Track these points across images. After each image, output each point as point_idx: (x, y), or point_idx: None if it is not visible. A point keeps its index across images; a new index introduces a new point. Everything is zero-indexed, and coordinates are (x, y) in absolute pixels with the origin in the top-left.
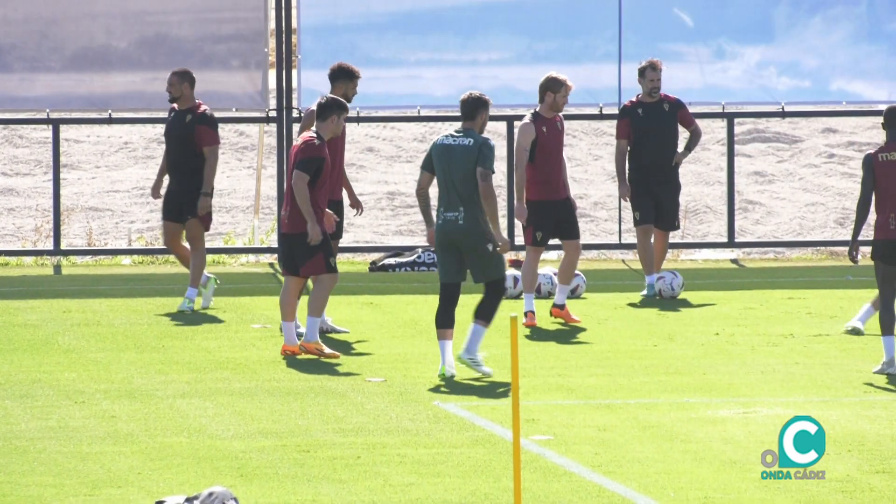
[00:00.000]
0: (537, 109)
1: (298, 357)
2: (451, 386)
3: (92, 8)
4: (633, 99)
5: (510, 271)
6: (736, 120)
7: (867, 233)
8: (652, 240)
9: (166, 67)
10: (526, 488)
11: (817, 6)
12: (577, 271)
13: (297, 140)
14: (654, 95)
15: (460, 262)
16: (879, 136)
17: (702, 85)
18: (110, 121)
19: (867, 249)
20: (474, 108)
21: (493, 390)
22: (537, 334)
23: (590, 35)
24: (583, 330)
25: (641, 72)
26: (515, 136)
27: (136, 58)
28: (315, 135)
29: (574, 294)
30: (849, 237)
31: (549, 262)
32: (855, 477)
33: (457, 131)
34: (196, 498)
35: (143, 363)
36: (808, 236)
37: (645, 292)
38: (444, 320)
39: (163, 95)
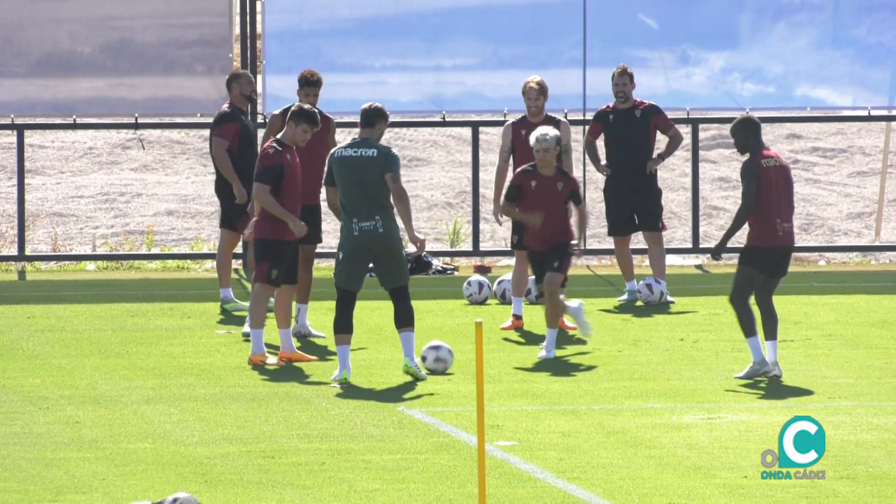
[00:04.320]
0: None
1: (268, 366)
2: (415, 392)
3: (56, 13)
4: (610, 105)
5: (475, 277)
6: (700, 126)
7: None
8: (645, 247)
9: (130, 73)
10: (490, 494)
11: (781, 12)
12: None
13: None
14: (621, 100)
15: (366, 270)
16: (845, 142)
17: (666, 90)
18: (74, 126)
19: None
20: (375, 117)
21: (457, 396)
22: (501, 340)
23: (555, 41)
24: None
25: (612, 76)
26: None
27: (101, 63)
28: (275, 143)
29: (539, 301)
30: (812, 243)
31: None
32: (819, 482)
33: (355, 140)
34: None
35: (107, 369)
36: None
37: (624, 297)
38: (345, 326)
39: (127, 101)
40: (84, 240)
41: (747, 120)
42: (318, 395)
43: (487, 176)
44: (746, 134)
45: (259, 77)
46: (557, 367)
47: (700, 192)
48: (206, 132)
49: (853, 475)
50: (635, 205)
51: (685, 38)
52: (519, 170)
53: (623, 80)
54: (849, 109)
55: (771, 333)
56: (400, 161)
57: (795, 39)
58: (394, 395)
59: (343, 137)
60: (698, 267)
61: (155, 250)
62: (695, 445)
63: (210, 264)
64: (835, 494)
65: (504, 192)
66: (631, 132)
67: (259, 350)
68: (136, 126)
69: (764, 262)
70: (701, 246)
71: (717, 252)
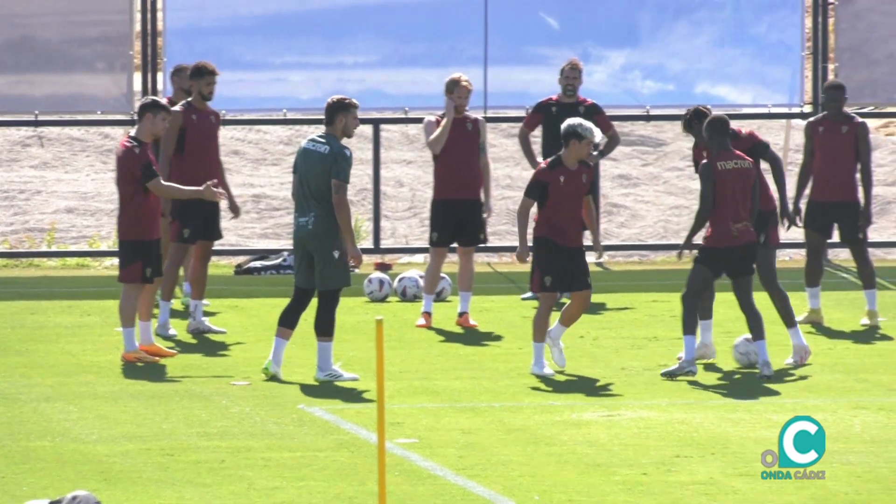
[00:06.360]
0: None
1: (160, 361)
2: (316, 389)
3: None
4: (553, 97)
5: (376, 274)
6: None
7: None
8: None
9: (31, 70)
10: (391, 492)
11: (682, 10)
12: (442, 274)
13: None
14: (569, 94)
15: (312, 267)
16: None
17: None
18: None
19: None
20: (332, 113)
21: (358, 394)
22: (403, 338)
23: (456, 38)
24: (448, 333)
25: (561, 70)
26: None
27: (1, 60)
28: (132, 141)
29: (439, 297)
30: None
31: (420, 266)
32: (718, 480)
33: (319, 136)
34: (60, 502)
35: (6, 367)
36: (672, 239)
37: (529, 294)
38: (286, 319)
39: (27, 98)
40: None
41: (714, 120)
42: (217, 393)
43: (388, 173)
44: (711, 133)
45: (160, 74)
46: (458, 364)
47: (600, 189)
48: (107, 129)
49: (752, 472)
50: None
51: (586, 35)
52: (543, 167)
53: (574, 74)
54: (749, 107)
55: (757, 333)
56: (351, 163)
57: (696, 37)
58: (294, 392)
59: (245, 135)
60: (598, 264)
61: (54, 247)
62: (595, 442)
63: (109, 262)
64: (733, 491)
65: (527, 190)
66: None
67: (132, 347)
68: (37, 123)
69: (716, 262)
70: (602, 244)
71: (681, 249)
